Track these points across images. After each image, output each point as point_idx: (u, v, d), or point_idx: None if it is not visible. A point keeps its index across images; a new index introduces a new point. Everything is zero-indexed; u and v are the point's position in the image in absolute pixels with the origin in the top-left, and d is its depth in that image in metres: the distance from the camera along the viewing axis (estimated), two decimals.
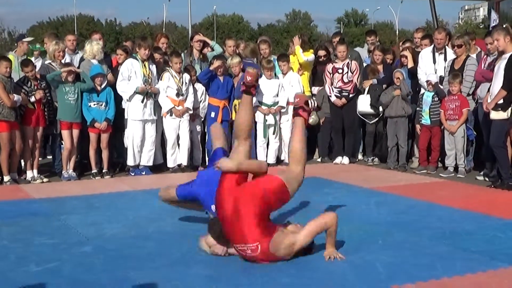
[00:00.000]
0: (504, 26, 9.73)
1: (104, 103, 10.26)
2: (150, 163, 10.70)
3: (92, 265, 5.21)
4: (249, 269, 5.04)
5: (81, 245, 5.93)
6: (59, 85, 9.97)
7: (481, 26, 59.88)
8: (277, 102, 11.32)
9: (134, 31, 69.74)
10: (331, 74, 11.43)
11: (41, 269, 5.16)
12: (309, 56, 11.87)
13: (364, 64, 12.21)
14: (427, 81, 10.64)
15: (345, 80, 11.32)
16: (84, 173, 10.57)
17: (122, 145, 10.92)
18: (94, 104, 10.21)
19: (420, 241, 6.03)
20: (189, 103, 10.76)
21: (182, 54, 11.50)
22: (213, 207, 5.51)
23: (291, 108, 11.49)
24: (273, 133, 11.41)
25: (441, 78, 10.74)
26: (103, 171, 10.46)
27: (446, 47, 11.02)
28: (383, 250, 5.71)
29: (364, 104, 11.45)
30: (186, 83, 10.72)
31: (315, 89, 12.04)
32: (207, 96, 11.16)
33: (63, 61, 10.52)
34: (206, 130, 11.33)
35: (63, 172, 10.17)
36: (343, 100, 11.35)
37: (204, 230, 5.58)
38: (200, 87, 11.07)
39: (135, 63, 10.38)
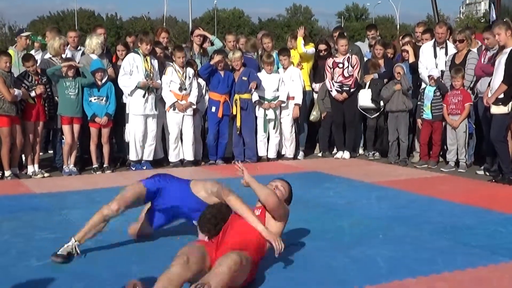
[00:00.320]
0: (505, 20, 9.72)
1: (104, 98, 10.25)
2: (151, 158, 10.70)
3: (94, 260, 5.22)
4: None
5: None
6: (60, 80, 9.96)
7: (482, 21, 59.70)
8: (278, 97, 11.31)
9: (135, 25, 69.67)
10: (332, 69, 11.42)
11: (42, 264, 5.16)
12: (309, 48, 11.85)
13: (365, 59, 12.20)
14: (429, 76, 10.63)
15: (346, 74, 11.31)
16: (85, 168, 10.56)
17: (123, 140, 10.92)
18: (94, 99, 10.21)
19: (421, 236, 6.04)
20: (192, 98, 10.76)
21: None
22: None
23: (291, 102, 11.51)
24: (274, 128, 11.40)
25: (442, 73, 10.74)
26: (104, 165, 10.46)
27: (447, 41, 11.01)
28: (384, 244, 5.72)
29: (365, 98, 11.44)
30: (189, 77, 10.72)
31: (316, 86, 12.02)
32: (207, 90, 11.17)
33: (63, 55, 10.52)
34: (206, 125, 11.35)
35: (64, 167, 10.17)
36: (344, 94, 11.34)
37: None
38: (200, 81, 11.06)
39: (136, 57, 10.36)
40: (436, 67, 10.78)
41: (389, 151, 11.21)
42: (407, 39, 12.06)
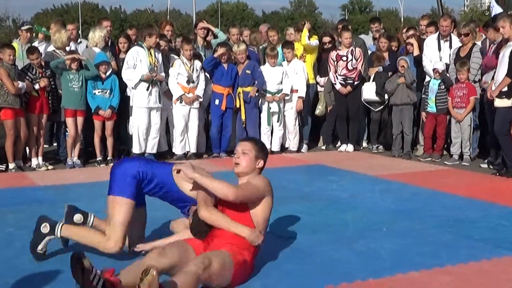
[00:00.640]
0: (509, 13, 9.71)
1: (108, 91, 10.26)
2: (154, 151, 10.70)
3: (97, 252, 5.22)
4: None
5: None
6: (63, 72, 9.97)
7: (487, 14, 59.52)
8: (281, 90, 11.30)
9: (139, 18, 69.72)
10: (335, 62, 11.40)
11: (46, 256, 5.17)
12: (313, 40, 11.83)
13: (369, 52, 12.18)
14: (434, 69, 10.61)
15: (350, 67, 11.29)
16: (89, 161, 10.58)
17: (126, 132, 10.93)
18: (98, 92, 10.21)
19: (424, 229, 6.03)
20: (199, 91, 10.76)
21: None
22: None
23: (295, 95, 11.50)
24: (277, 121, 11.40)
25: (447, 66, 10.71)
26: (108, 158, 10.47)
27: (452, 34, 10.99)
28: (387, 237, 5.72)
29: (369, 91, 11.42)
30: (197, 70, 10.72)
31: (321, 80, 12.00)
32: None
33: (67, 48, 10.53)
34: (209, 117, 11.34)
35: (67, 159, 10.19)
36: (349, 88, 11.32)
37: None
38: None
39: (140, 51, 10.36)
40: (440, 60, 10.76)
41: (393, 144, 11.20)
42: (411, 32, 12.03)
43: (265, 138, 11.38)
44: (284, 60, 11.63)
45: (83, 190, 8.27)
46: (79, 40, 11.28)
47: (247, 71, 11.02)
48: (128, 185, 4.83)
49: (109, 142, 10.45)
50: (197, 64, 10.75)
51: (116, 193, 4.82)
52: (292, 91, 11.41)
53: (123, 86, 10.52)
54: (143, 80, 10.28)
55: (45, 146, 10.52)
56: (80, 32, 34.70)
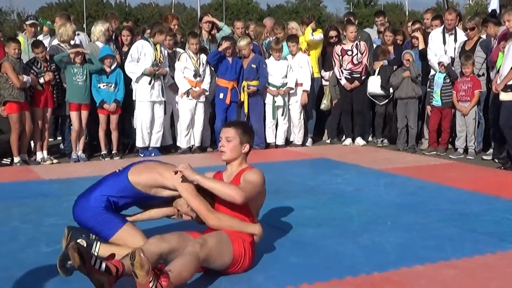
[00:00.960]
0: None
1: (113, 85, 10.26)
2: (158, 145, 10.70)
3: None
4: (257, 249, 5.05)
5: None
6: (67, 66, 9.97)
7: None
8: (286, 83, 11.29)
9: (143, 12, 69.61)
10: (340, 56, 11.37)
11: (51, 249, 5.19)
12: (317, 35, 11.81)
13: (374, 45, 12.16)
14: (439, 63, 10.59)
15: (355, 61, 11.26)
16: (94, 154, 10.59)
17: (131, 126, 10.93)
18: (103, 86, 10.21)
19: (429, 223, 6.03)
20: (206, 85, 10.75)
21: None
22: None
23: (299, 89, 11.50)
24: (282, 115, 11.39)
25: (452, 59, 10.69)
26: (113, 152, 10.48)
27: (457, 28, 10.96)
28: (392, 231, 5.72)
29: (374, 85, 11.40)
30: (203, 64, 10.71)
31: (326, 74, 11.97)
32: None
33: (72, 42, 10.53)
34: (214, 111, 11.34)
35: (72, 153, 10.20)
36: (356, 83, 11.26)
37: None
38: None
39: (145, 44, 10.34)
40: (445, 53, 10.74)
41: (398, 138, 11.19)
42: (417, 25, 12.00)
43: (270, 132, 11.39)
44: (288, 54, 11.61)
45: (87, 184, 8.15)
46: (77, 32, 11.25)
47: (252, 65, 11.01)
48: (109, 220, 4.69)
49: (114, 136, 10.45)
50: (203, 58, 10.74)
51: (111, 235, 4.69)
52: (296, 84, 11.40)
53: (127, 80, 10.51)
54: (146, 74, 10.27)
55: (49, 139, 10.52)
56: (84, 26, 34.76)
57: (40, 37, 11.72)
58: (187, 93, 10.67)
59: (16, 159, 9.73)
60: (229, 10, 76.67)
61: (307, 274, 4.54)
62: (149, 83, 10.29)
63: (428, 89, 10.83)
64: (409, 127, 11.04)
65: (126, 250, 4.64)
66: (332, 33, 11.98)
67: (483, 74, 10.32)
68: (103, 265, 3.98)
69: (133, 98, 10.55)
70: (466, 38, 10.64)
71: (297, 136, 11.67)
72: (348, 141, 11.68)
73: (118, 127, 10.47)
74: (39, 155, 10.05)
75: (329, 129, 12.30)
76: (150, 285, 3.79)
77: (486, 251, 5.06)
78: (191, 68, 10.62)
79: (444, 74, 10.54)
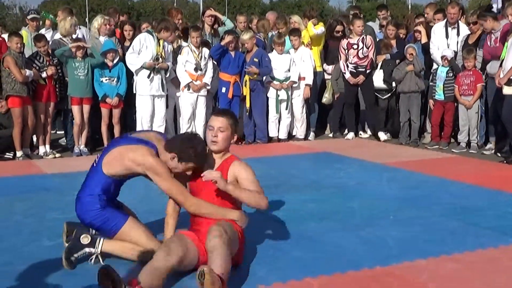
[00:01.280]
0: None
1: (115, 79, 10.26)
2: None
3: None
4: (259, 242, 5.06)
5: None
6: (69, 60, 9.96)
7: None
8: (289, 77, 11.28)
9: (146, 6, 69.54)
10: (346, 50, 11.35)
11: (53, 243, 5.20)
12: (318, 28, 11.79)
13: (377, 39, 12.14)
14: (442, 56, 10.57)
15: (361, 55, 11.22)
16: (96, 148, 10.58)
17: (133, 120, 10.93)
18: (105, 80, 10.21)
19: (431, 217, 6.03)
20: (207, 79, 10.73)
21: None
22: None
23: (302, 83, 11.49)
24: (286, 108, 11.38)
25: (455, 53, 10.68)
26: None
27: (459, 21, 10.94)
28: (394, 225, 5.73)
29: (377, 79, 11.38)
30: (205, 57, 10.70)
31: (329, 68, 11.96)
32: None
33: (74, 36, 10.53)
34: (218, 105, 11.32)
35: (74, 147, 10.21)
36: (361, 77, 11.20)
37: None
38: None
39: (148, 38, 10.31)
40: (448, 47, 10.73)
41: (400, 132, 11.18)
42: (421, 19, 12.00)
43: (272, 126, 11.38)
44: (291, 48, 11.60)
45: None
46: (78, 26, 11.26)
47: (255, 59, 10.99)
48: (110, 219, 4.68)
49: (116, 130, 10.44)
50: (206, 51, 10.73)
51: (115, 232, 4.68)
52: (299, 78, 11.39)
53: (130, 74, 10.50)
54: (145, 68, 10.26)
55: (52, 132, 10.53)
56: (87, 20, 34.73)
57: (43, 31, 11.71)
58: (188, 86, 10.66)
59: (19, 153, 9.74)
60: (231, 4, 76.55)
61: (310, 267, 4.55)
62: (148, 77, 10.27)
63: (430, 83, 10.81)
64: (412, 121, 11.04)
65: (129, 245, 4.66)
66: (339, 28, 11.94)
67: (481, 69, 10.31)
68: None
69: (134, 92, 10.52)
70: (468, 32, 10.63)
71: (299, 130, 11.66)
72: (351, 135, 11.66)
73: (120, 121, 10.47)
74: (41, 149, 10.06)
75: (331, 123, 12.28)
76: None
77: (488, 245, 5.07)
78: (192, 62, 10.61)
79: (447, 68, 10.53)
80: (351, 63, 11.30)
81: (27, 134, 9.88)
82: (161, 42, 10.31)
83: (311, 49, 11.73)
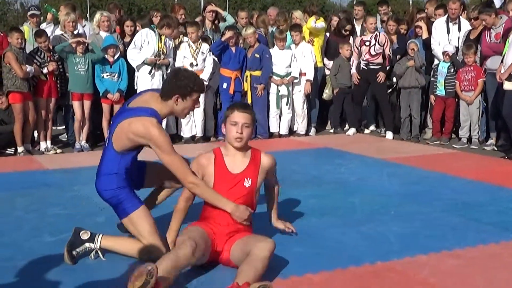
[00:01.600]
0: None
1: (116, 74, 10.26)
2: None
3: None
4: None
5: (95, 215, 5.95)
6: (69, 56, 9.96)
7: None
8: (290, 73, 11.27)
9: (147, 1, 69.43)
10: (359, 47, 11.29)
11: (55, 239, 5.20)
12: (319, 23, 11.77)
13: None
14: (444, 52, 10.56)
15: (372, 52, 11.15)
16: (97, 144, 10.59)
17: None
18: (107, 75, 10.21)
19: (433, 212, 6.03)
20: (205, 74, 10.69)
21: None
22: None
23: (303, 79, 11.48)
24: (286, 104, 11.37)
25: (457, 49, 10.67)
26: None
27: (460, 17, 10.93)
28: (395, 221, 5.73)
29: None
30: (203, 53, 10.68)
31: (330, 63, 11.95)
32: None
33: (75, 32, 10.53)
34: (219, 100, 11.31)
35: (75, 143, 10.21)
36: (382, 74, 11.06)
37: None
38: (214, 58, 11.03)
39: (150, 33, 10.31)
40: (449, 43, 10.71)
41: (401, 127, 11.18)
42: (422, 14, 11.99)
43: (273, 122, 11.38)
44: (292, 43, 11.59)
45: (91, 173, 8.16)
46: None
47: (256, 55, 10.99)
48: (125, 201, 4.67)
49: None
50: (204, 47, 10.71)
51: (125, 216, 4.67)
52: (300, 74, 11.38)
53: (131, 70, 10.50)
54: (147, 63, 10.25)
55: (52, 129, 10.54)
56: (88, 15, 34.73)
57: (44, 25, 11.69)
58: None
59: (20, 149, 9.74)
60: (232, 0, 76.45)
61: (311, 263, 4.55)
62: (149, 73, 10.27)
63: (432, 79, 10.81)
64: (412, 117, 11.03)
65: (128, 242, 4.68)
66: (348, 27, 11.92)
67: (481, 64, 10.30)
68: None
69: (135, 87, 10.52)
70: (469, 28, 10.61)
71: (300, 126, 11.65)
72: (352, 131, 11.65)
73: None
74: (42, 145, 10.06)
75: (332, 118, 12.27)
76: None
77: (489, 241, 5.07)
78: (189, 57, 10.61)
79: (448, 64, 10.52)
80: (363, 60, 11.25)
81: (28, 130, 9.88)
82: (162, 38, 10.31)
83: (312, 45, 11.72)
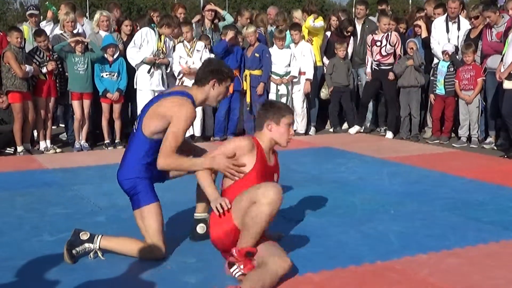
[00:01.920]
0: None
1: (116, 74, 10.25)
2: None
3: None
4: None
5: (95, 215, 5.96)
6: (68, 55, 9.95)
7: None
8: (289, 72, 11.27)
9: (146, 0, 69.42)
10: (370, 47, 11.29)
11: (54, 238, 5.20)
12: (317, 22, 11.77)
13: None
14: (443, 51, 10.56)
15: (383, 53, 11.13)
16: (97, 144, 10.59)
17: (134, 115, 10.92)
18: (106, 75, 10.20)
19: (432, 212, 6.03)
20: None
21: (194, 24, 11.46)
22: None
23: (303, 78, 11.48)
24: (286, 103, 11.36)
25: (456, 48, 10.67)
26: (116, 141, 10.47)
27: (460, 16, 10.93)
28: (395, 220, 5.73)
29: None
30: (198, 50, 10.68)
31: (328, 61, 11.97)
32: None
33: (74, 31, 10.52)
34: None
35: (75, 142, 10.21)
36: (391, 75, 11.08)
37: None
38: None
39: (150, 33, 10.30)
40: (449, 42, 10.71)
41: (401, 126, 11.18)
42: (422, 13, 11.99)
43: None
44: (291, 42, 11.59)
45: (91, 173, 8.29)
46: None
47: (256, 54, 10.98)
48: (142, 192, 4.73)
49: (117, 125, 10.44)
50: (199, 44, 10.71)
51: (138, 207, 4.72)
52: (299, 73, 11.38)
53: (131, 69, 10.50)
54: (146, 63, 10.25)
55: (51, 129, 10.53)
56: (87, 14, 34.71)
57: (43, 23, 11.68)
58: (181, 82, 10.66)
59: (20, 149, 9.74)
60: None
61: (311, 262, 4.55)
62: (148, 72, 10.26)
63: (431, 78, 10.81)
64: (412, 116, 11.03)
65: (127, 242, 4.67)
66: (350, 29, 11.92)
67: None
68: None
69: (134, 86, 10.51)
70: (469, 27, 10.61)
71: (300, 125, 11.65)
72: (354, 129, 11.64)
73: (121, 116, 10.46)
74: (42, 145, 10.05)
75: (331, 118, 12.26)
76: None
77: (489, 240, 5.07)
78: (184, 56, 10.62)
79: (448, 63, 10.52)
80: (374, 60, 11.24)
81: (28, 129, 9.87)
82: (162, 37, 10.30)
83: (311, 44, 11.72)
